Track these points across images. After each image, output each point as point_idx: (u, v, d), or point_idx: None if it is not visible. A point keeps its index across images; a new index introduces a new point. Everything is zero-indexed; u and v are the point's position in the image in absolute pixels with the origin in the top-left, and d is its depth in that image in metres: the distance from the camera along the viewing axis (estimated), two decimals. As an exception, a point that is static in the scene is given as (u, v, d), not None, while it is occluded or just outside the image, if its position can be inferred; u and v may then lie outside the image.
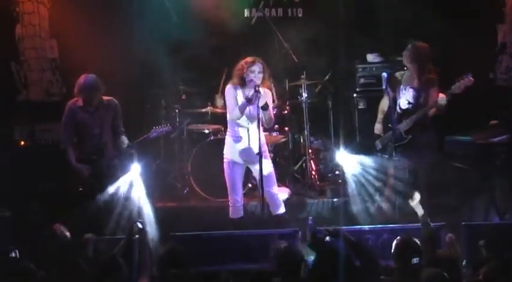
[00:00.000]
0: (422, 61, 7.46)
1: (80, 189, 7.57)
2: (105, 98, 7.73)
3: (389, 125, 7.50)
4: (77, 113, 7.67)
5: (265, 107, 7.07)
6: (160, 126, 7.71)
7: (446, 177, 7.94)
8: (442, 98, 7.21)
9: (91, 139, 7.66)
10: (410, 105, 7.45)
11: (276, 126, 8.62)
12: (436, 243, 5.78)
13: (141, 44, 9.43)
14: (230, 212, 7.45)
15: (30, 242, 6.52)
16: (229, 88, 7.34)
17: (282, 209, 7.43)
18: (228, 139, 7.42)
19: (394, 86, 7.57)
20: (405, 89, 7.49)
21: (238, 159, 7.35)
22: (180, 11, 9.43)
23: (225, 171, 7.41)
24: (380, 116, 7.76)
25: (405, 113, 7.44)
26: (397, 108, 7.54)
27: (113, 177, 7.57)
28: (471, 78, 7.15)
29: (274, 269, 5.36)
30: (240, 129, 7.33)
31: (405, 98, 7.47)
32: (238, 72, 7.26)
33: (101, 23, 9.23)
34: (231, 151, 7.36)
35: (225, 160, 7.40)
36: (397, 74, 7.63)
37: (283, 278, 5.21)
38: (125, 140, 7.70)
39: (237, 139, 7.33)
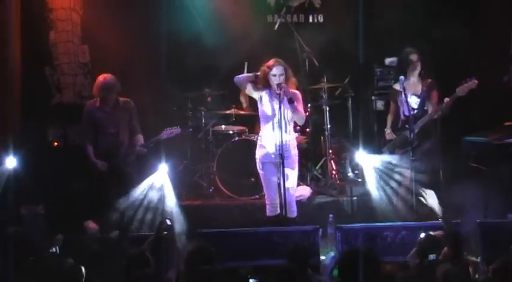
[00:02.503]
0: (423, 68, 7.77)
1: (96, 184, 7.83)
2: (121, 99, 7.91)
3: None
4: (94, 112, 7.89)
5: (291, 101, 7.11)
6: (170, 128, 7.86)
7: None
8: (446, 102, 7.44)
9: (107, 138, 7.88)
10: (415, 111, 7.64)
11: (298, 127, 8.82)
12: (459, 240, 5.76)
13: (171, 48, 9.58)
14: (267, 210, 7.35)
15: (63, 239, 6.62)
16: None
17: (294, 214, 7.37)
18: (259, 140, 7.45)
19: (394, 96, 7.89)
20: (408, 96, 7.62)
21: (268, 159, 7.33)
22: (204, 16, 9.54)
23: (259, 171, 7.44)
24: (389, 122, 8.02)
25: (410, 119, 7.55)
26: (402, 115, 7.77)
27: (129, 174, 7.84)
28: (475, 81, 7.35)
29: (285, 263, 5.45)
30: (268, 129, 7.33)
31: (409, 105, 7.60)
32: (261, 75, 7.32)
33: (131, 28, 9.39)
34: (260, 151, 7.37)
35: (257, 161, 7.44)
36: (395, 85, 7.92)
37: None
38: (140, 139, 7.91)
39: (266, 139, 7.33)
